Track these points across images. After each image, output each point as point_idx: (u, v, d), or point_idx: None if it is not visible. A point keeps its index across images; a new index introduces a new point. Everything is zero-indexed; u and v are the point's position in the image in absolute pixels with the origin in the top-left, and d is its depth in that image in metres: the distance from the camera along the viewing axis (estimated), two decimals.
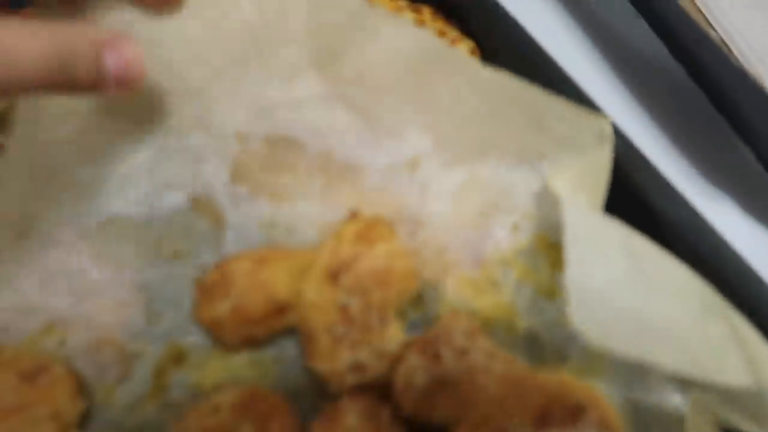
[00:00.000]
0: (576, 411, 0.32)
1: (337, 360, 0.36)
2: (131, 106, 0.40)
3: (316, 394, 0.38)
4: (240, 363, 0.39)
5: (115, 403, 0.38)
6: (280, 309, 0.37)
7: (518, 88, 0.37)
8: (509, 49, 0.49)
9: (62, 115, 0.39)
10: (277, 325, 0.37)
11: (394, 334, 0.37)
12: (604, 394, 0.36)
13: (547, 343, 0.39)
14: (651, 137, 0.54)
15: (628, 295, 0.34)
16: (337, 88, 0.39)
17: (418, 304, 0.40)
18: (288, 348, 0.40)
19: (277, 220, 0.41)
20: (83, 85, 0.29)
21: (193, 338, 0.40)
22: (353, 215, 0.38)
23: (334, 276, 0.35)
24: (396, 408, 0.35)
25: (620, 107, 0.55)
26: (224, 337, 0.37)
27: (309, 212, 0.41)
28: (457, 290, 0.39)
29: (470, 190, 0.40)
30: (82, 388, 0.37)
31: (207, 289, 0.37)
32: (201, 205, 0.41)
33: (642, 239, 0.35)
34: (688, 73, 0.53)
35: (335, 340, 0.35)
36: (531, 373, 0.35)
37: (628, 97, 0.56)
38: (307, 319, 0.36)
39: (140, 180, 0.41)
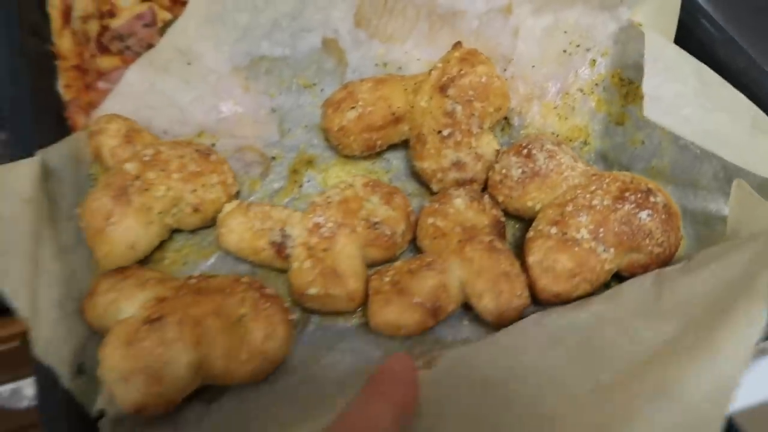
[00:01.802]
0: (647, 193, 0.36)
1: (442, 158, 0.40)
2: None
3: (421, 198, 0.44)
4: (357, 170, 0.45)
5: (259, 193, 0.44)
6: (397, 119, 0.42)
7: None
8: None
9: None
10: (392, 134, 0.42)
11: (490, 142, 0.41)
12: None
13: (614, 161, 0.43)
14: None
15: (695, 106, 0.38)
16: None
17: (506, 128, 0.45)
18: (397, 161, 0.45)
19: (389, 60, 0.46)
20: None
21: (319, 150, 0.45)
22: (458, 44, 0.43)
23: (443, 88, 0.40)
24: (491, 198, 0.40)
25: None
26: (348, 144, 0.42)
27: (416, 52, 0.46)
28: (541, 115, 0.44)
29: (556, 32, 0.43)
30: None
31: (335, 103, 0.42)
32: (330, 47, 0.46)
33: (708, 69, 0.38)
34: None
35: (441, 140, 0.40)
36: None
37: None
38: (418, 124, 0.41)
39: (285, 25, 0.46)
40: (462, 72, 0.40)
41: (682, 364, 0.24)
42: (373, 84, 0.42)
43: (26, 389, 0.67)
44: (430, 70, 0.41)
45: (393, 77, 0.43)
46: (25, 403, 0.68)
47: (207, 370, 0.33)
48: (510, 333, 0.34)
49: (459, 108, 0.40)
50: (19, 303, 0.33)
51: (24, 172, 0.35)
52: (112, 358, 0.31)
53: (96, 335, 0.36)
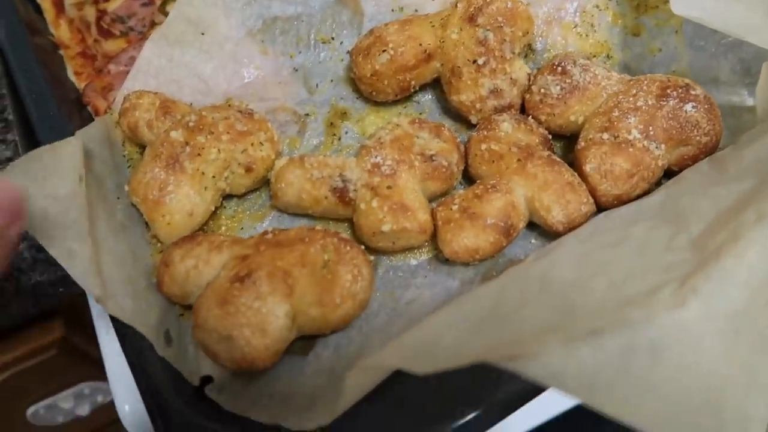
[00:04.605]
0: (687, 87, 0.37)
1: (479, 87, 0.40)
2: None
3: (457, 133, 0.43)
4: (391, 115, 0.44)
5: (300, 150, 0.42)
6: (428, 56, 0.41)
7: None
8: None
9: None
10: (425, 72, 0.42)
11: (522, 67, 0.41)
12: None
13: (637, 71, 0.44)
14: None
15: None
16: None
17: (530, 54, 0.45)
18: (427, 102, 0.45)
19: (404, 3, 0.45)
20: None
21: (350, 102, 0.44)
22: None
23: (472, 18, 0.40)
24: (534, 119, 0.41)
25: None
26: (383, 88, 0.41)
27: None
28: (562, 36, 0.44)
29: None
30: None
31: (365, 50, 0.41)
32: None
33: None
34: None
35: (477, 69, 0.40)
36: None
37: None
38: (452, 57, 0.40)
39: None
40: (488, 0, 0.40)
41: None
42: (399, 25, 0.41)
43: (61, 403, 0.64)
44: (456, 3, 0.41)
45: (418, 17, 0.42)
46: (60, 419, 0.65)
47: (303, 319, 0.32)
48: (581, 228, 0.34)
49: (491, 35, 0.39)
50: (87, 283, 0.31)
51: (71, 150, 0.33)
52: (210, 320, 0.30)
53: (172, 307, 0.35)
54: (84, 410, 0.62)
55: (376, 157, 0.37)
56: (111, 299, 0.31)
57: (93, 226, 0.33)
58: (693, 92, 0.37)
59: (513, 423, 0.54)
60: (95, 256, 0.32)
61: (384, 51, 0.41)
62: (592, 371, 0.22)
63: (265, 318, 0.30)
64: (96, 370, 0.59)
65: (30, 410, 0.59)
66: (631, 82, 0.38)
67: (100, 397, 0.62)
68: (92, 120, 0.42)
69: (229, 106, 0.39)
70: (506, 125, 0.39)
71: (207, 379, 0.31)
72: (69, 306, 0.51)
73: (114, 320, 0.32)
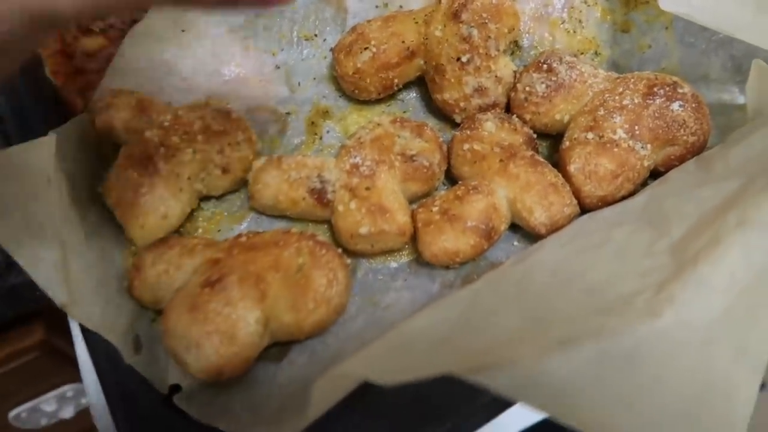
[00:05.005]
0: (675, 85, 0.36)
1: (463, 86, 0.39)
2: None
3: (442, 132, 0.43)
4: (374, 114, 0.43)
5: (280, 150, 0.42)
6: (412, 53, 0.40)
7: None
8: None
9: None
10: (408, 70, 0.41)
11: (507, 64, 0.41)
12: None
13: (625, 68, 0.43)
14: None
15: None
16: None
17: (516, 51, 0.44)
18: (411, 100, 0.44)
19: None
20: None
21: (332, 100, 0.43)
22: None
23: (456, 14, 0.39)
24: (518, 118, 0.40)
25: None
26: (365, 87, 0.41)
27: None
28: (549, 33, 0.43)
29: None
30: None
31: (347, 47, 0.41)
32: None
33: None
34: None
35: (461, 67, 0.39)
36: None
37: None
38: (435, 55, 0.40)
39: None
40: None
41: (760, 200, 0.24)
42: (382, 22, 0.41)
43: (44, 406, 0.64)
44: (439, 0, 0.40)
45: (401, 13, 0.42)
46: (43, 422, 0.65)
47: (276, 325, 0.31)
48: (564, 231, 0.34)
49: (475, 31, 0.39)
50: (52, 289, 0.30)
51: (42, 151, 0.33)
52: (179, 326, 0.29)
53: (145, 311, 0.34)
54: (68, 413, 0.62)
55: (355, 157, 0.36)
56: (77, 305, 0.30)
57: (63, 229, 0.32)
58: (680, 90, 0.36)
59: (502, 423, 0.54)
60: (62, 260, 0.31)
61: (366, 48, 0.40)
62: (563, 383, 0.21)
63: (234, 324, 0.29)
64: (79, 372, 0.58)
65: (12, 413, 0.58)
66: (618, 80, 0.38)
67: (84, 400, 0.62)
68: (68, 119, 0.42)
69: (207, 104, 0.39)
70: (489, 125, 0.38)
71: (176, 388, 0.31)
72: (50, 308, 0.50)
73: (82, 326, 0.32)
